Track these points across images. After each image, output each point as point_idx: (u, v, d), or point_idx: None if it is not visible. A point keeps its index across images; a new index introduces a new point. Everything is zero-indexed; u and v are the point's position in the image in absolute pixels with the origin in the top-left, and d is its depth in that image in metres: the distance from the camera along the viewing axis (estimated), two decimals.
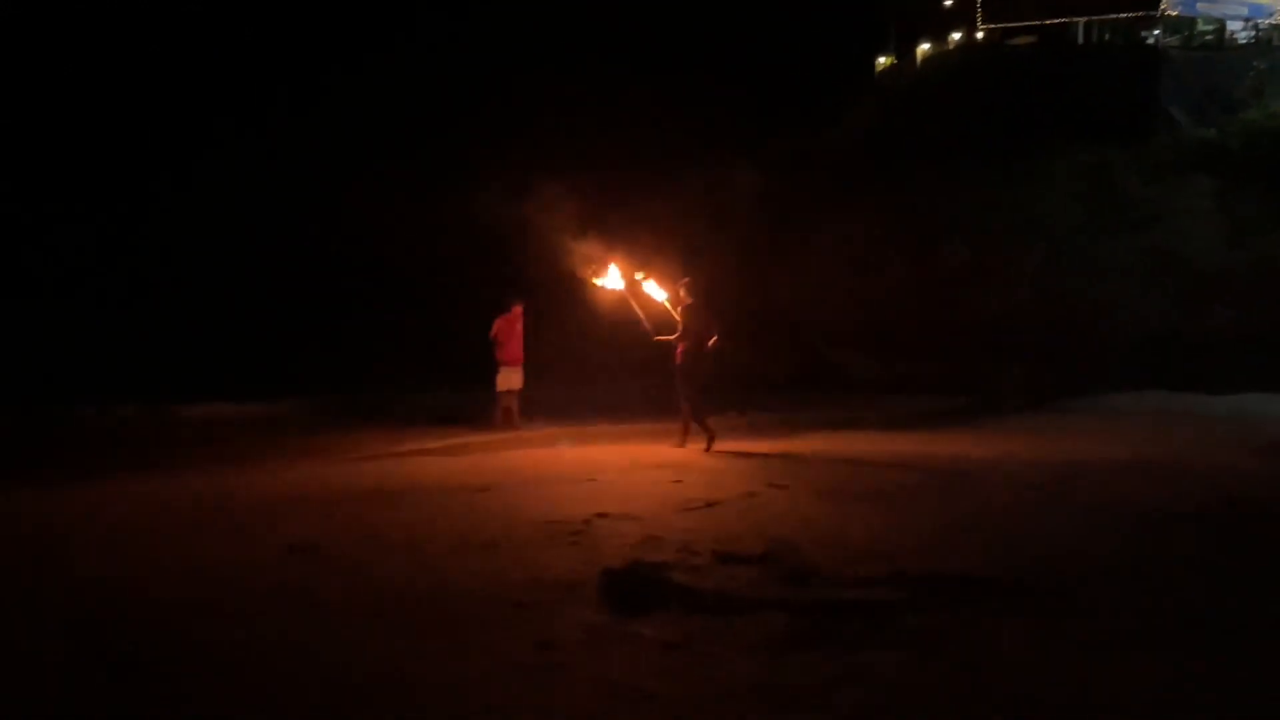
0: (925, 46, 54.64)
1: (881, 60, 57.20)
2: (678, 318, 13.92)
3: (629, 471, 10.93)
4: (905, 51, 55.77)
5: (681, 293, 14.04)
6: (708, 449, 13.40)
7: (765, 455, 12.86)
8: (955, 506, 8.77)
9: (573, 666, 4.24)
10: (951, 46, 53.96)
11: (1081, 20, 50.50)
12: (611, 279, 14.67)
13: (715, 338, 13.90)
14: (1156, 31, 48.66)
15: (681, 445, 13.79)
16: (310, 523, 7.67)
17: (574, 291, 15.47)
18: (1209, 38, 47.91)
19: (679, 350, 13.79)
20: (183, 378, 20.01)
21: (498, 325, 16.05)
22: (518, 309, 16.16)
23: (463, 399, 18.20)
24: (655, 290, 14.46)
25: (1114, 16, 50.21)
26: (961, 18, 54.68)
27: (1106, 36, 49.94)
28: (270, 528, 7.43)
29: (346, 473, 10.75)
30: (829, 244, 34.25)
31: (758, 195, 38.53)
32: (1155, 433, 16.02)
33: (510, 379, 15.96)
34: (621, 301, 14.66)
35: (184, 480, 10.04)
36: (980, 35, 54.31)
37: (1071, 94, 40.40)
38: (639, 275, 14.59)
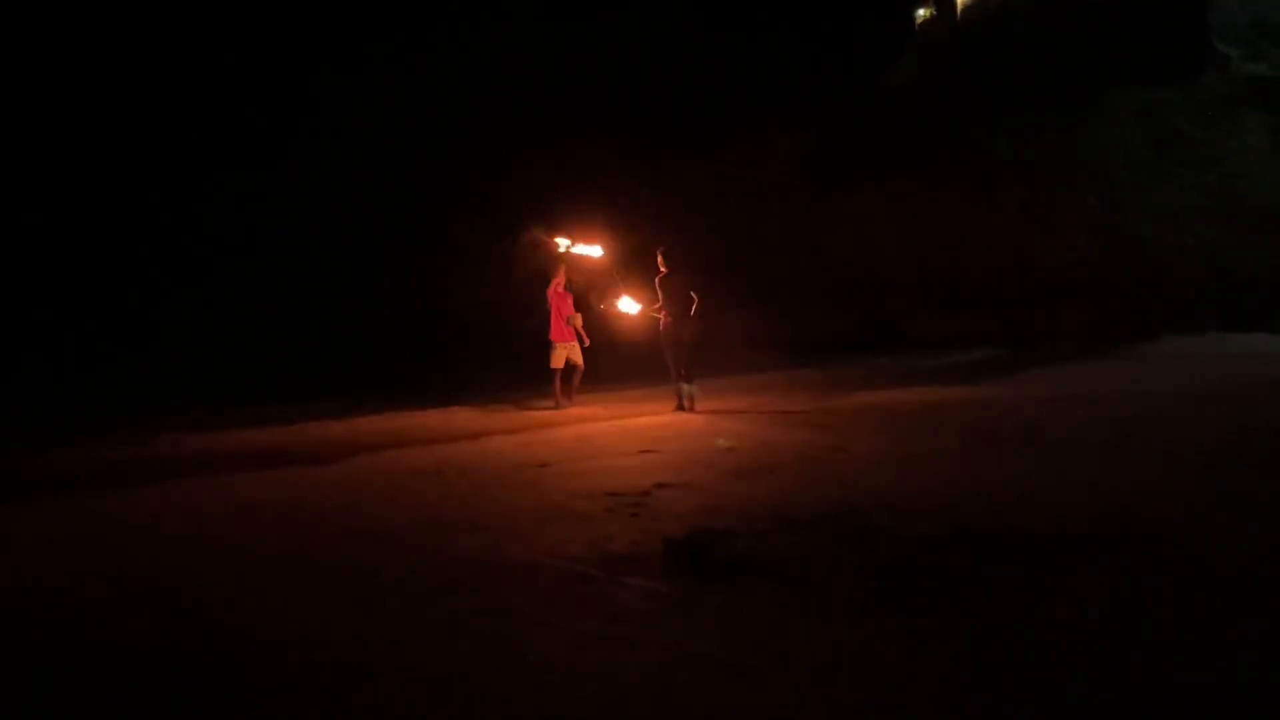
0: None
1: (921, 12, 56.51)
2: (657, 288, 14.32)
3: (685, 441, 10.92)
4: (944, 2, 55.06)
5: (659, 261, 14.37)
6: (676, 409, 14.19)
7: (821, 417, 12.80)
8: (1016, 459, 8.69)
9: (641, 637, 4.23)
10: None
11: None
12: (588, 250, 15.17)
13: (696, 302, 14.27)
14: None
15: (691, 409, 14.24)
16: (374, 505, 7.73)
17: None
18: None
19: (663, 318, 14.26)
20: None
21: (550, 298, 15.92)
22: (559, 279, 15.93)
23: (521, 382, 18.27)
24: (629, 303, 14.98)
25: None
26: None
27: None
28: (335, 511, 7.49)
29: (407, 456, 10.80)
30: (879, 200, 34.03)
31: (802, 156, 38.35)
32: (1208, 374, 15.84)
33: (560, 356, 15.84)
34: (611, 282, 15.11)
35: (246, 479, 10.09)
36: None
37: (1118, 35, 39.76)
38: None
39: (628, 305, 15.03)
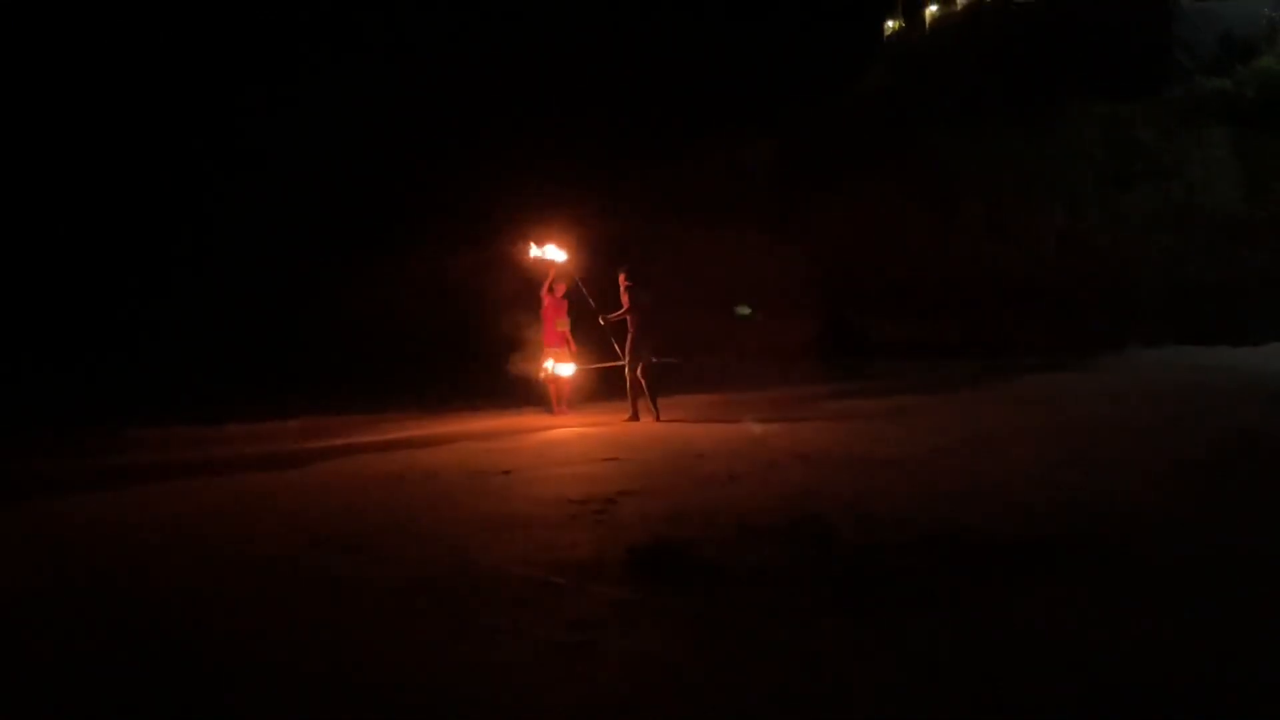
0: (933, 8, 54.31)
1: (890, 24, 56.84)
2: (624, 301, 14.34)
3: (649, 449, 10.93)
4: (913, 14, 55.42)
5: (621, 280, 14.42)
6: (632, 417, 14.27)
7: (785, 425, 12.84)
8: (975, 470, 8.75)
9: (603, 644, 4.25)
10: (959, 6, 53.59)
11: None
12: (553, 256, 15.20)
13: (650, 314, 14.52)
14: None
15: (636, 418, 14.35)
16: (336, 511, 7.71)
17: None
18: None
19: (631, 325, 14.38)
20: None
21: (545, 305, 15.72)
22: (559, 288, 15.74)
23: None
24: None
25: None
26: None
27: None
28: (298, 518, 7.47)
29: (375, 462, 10.77)
30: (846, 209, 34.16)
31: (772, 164, 38.49)
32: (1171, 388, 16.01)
33: (551, 362, 15.61)
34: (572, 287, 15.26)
35: (218, 482, 10.03)
36: None
37: (1083, 48, 40.13)
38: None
39: (563, 369, 15.43)
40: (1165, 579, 5.04)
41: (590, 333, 15.53)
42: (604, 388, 16.44)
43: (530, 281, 15.90)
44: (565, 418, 15.23)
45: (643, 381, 14.28)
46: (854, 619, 4.47)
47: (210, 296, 30.61)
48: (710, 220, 33.95)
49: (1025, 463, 9.06)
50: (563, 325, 15.67)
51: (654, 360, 14.33)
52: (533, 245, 15.46)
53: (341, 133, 37.38)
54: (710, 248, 32.54)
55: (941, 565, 5.32)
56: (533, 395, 16.39)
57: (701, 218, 34.17)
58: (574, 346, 15.76)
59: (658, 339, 14.46)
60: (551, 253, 15.41)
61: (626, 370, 14.44)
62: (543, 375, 15.73)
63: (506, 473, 9.40)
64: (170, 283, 31.02)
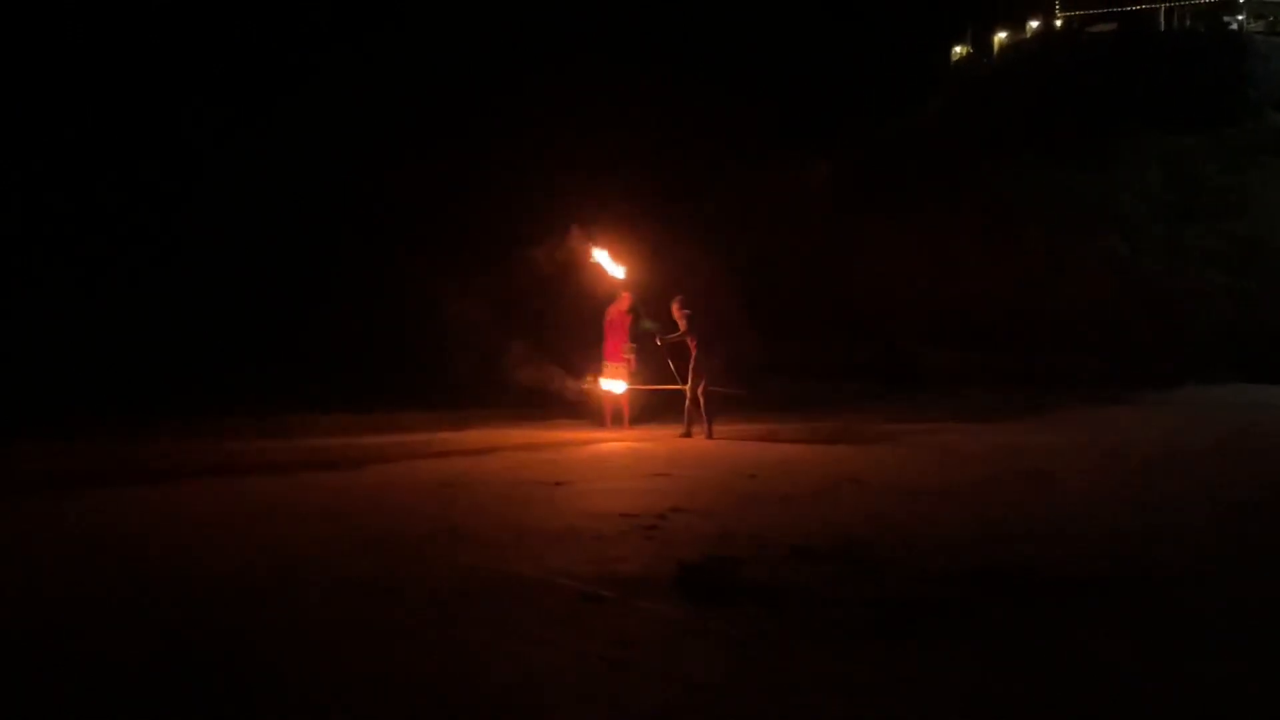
0: (1002, 35, 54.13)
1: (958, 50, 56.68)
2: (681, 325, 14.42)
3: (702, 467, 10.95)
4: (982, 40, 55.24)
5: (675, 310, 14.54)
6: (685, 434, 14.53)
7: (837, 448, 12.82)
8: (1025, 502, 8.70)
9: (646, 661, 4.26)
10: (1029, 35, 53.40)
11: (1163, 6, 49.81)
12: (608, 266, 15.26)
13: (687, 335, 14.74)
14: (1240, 17, 47.82)
15: (689, 435, 14.55)
16: (386, 515, 7.78)
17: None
18: None
19: (692, 347, 14.64)
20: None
21: (610, 319, 15.68)
22: (623, 299, 15.62)
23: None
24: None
25: (1196, 2, 49.48)
26: (1040, 6, 54.17)
27: (1188, 23, 49.17)
28: (346, 519, 7.54)
29: (426, 467, 10.84)
30: (904, 234, 33.96)
31: (832, 185, 38.38)
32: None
33: (608, 375, 15.57)
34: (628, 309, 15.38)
35: (270, 481, 10.13)
36: (1059, 23, 53.64)
37: (1152, 81, 39.87)
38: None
39: (615, 385, 15.52)
40: (1213, 622, 4.99)
41: (646, 353, 15.54)
42: (656, 404, 16.44)
43: (584, 289, 15.95)
44: (618, 432, 15.26)
45: (701, 400, 14.33)
46: (896, 649, 4.46)
47: (245, 296, 30.55)
48: (768, 236, 33.92)
49: (1076, 497, 9.01)
50: (629, 351, 15.57)
51: (715, 388, 14.42)
52: (595, 249, 15.49)
53: (382, 128, 37.47)
54: (763, 267, 32.47)
55: (986, 597, 5.29)
56: (583, 408, 16.44)
57: (758, 236, 34.13)
58: (634, 364, 15.67)
59: (720, 362, 14.53)
60: (609, 263, 15.46)
61: (688, 388, 14.50)
62: (587, 385, 15.78)
63: (557, 484, 9.45)
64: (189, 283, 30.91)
